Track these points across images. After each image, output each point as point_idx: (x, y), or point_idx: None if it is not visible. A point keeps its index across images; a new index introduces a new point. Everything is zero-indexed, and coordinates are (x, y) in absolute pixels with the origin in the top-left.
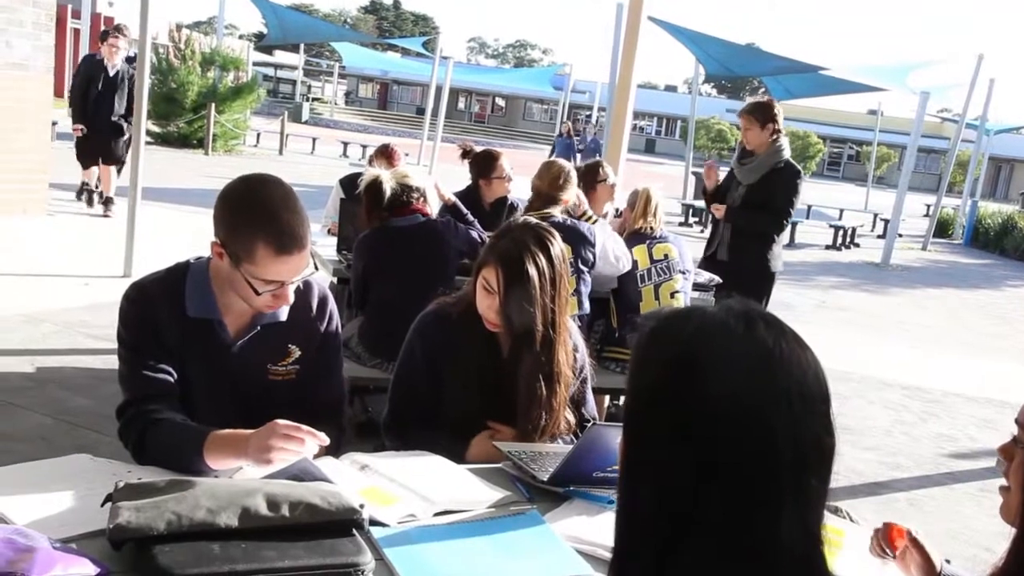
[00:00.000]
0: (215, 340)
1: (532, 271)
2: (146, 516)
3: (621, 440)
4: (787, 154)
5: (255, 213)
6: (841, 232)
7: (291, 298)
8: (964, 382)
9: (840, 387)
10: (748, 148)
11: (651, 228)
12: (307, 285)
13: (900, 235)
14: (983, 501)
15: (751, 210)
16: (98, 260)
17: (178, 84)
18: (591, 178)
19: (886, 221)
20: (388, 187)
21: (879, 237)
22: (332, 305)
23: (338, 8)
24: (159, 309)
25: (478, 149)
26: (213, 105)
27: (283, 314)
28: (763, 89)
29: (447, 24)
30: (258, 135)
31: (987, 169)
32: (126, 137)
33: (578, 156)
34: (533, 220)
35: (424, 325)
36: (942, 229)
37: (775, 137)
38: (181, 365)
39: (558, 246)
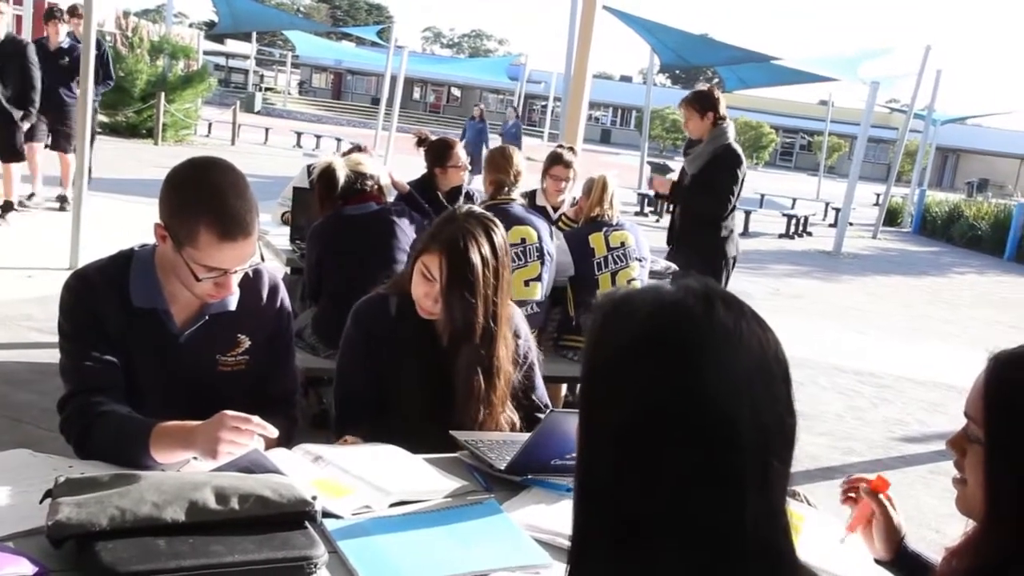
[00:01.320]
0: (161, 330)
1: (476, 260)
2: (88, 512)
3: (578, 422)
4: (730, 139)
5: (200, 195)
6: (794, 221)
7: (234, 288)
8: (914, 367)
9: (794, 373)
10: (692, 138)
11: (608, 216)
12: (257, 273)
13: (851, 224)
14: (932, 484)
15: (694, 192)
16: (43, 252)
17: (126, 73)
18: (546, 167)
19: (837, 210)
20: (342, 175)
21: (831, 226)
22: (283, 294)
23: None
24: (101, 298)
25: (433, 138)
26: (163, 94)
27: (232, 303)
28: (717, 79)
29: (401, 13)
30: (209, 125)
31: (934, 159)
32: (24, 127)
33: (489, 141)
34: (477, 209)
35: (360, 314)
36: (891, 218)
37: (718, 124)
38: (127, 357)
39: (501, 236)
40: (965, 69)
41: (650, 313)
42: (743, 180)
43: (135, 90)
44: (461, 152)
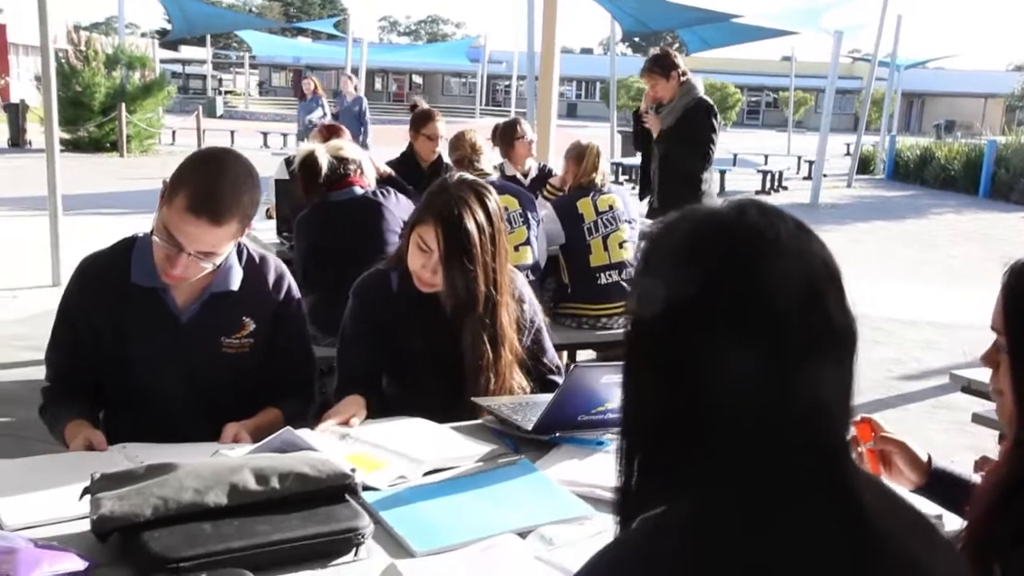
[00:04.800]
0: (162, 309)
1: (472, 227)
2: (130, 503)
3: (623, 368)
4: (700, 92)
5: (201, 166)
6: (769, 177)
7: (181, 272)
8: (903, 308)
9: None
10: (663, 101)
11: (597, 182)
12: (263, 259)
13: (825, 175)
14: (937, 417)
15: (673, 146)
16: (24, 271)
17: (83, 87)
18: (509, 135)
19: (810, 163)
20: (324, 161)
21: (805, 179)
22: (290, 280)
23: None
24: (102, 279)
25: (425, 105)
26: (123, 105)
27: (234, 283)
28: (678, 43)
29: (355, 5)
30: (173, 133)
31: (900, 104)
32: None
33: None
34: (469, 176)
35: (362, 290)
36: (864, 166)
37: (683, 80)
38: (124, 337)
39: (494, 201)
40: (923, 12)
41: (689, 231)
42: (718, 130)
43: (94, 104)
44: (440, 127)
